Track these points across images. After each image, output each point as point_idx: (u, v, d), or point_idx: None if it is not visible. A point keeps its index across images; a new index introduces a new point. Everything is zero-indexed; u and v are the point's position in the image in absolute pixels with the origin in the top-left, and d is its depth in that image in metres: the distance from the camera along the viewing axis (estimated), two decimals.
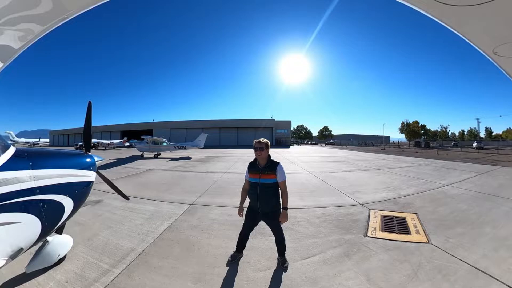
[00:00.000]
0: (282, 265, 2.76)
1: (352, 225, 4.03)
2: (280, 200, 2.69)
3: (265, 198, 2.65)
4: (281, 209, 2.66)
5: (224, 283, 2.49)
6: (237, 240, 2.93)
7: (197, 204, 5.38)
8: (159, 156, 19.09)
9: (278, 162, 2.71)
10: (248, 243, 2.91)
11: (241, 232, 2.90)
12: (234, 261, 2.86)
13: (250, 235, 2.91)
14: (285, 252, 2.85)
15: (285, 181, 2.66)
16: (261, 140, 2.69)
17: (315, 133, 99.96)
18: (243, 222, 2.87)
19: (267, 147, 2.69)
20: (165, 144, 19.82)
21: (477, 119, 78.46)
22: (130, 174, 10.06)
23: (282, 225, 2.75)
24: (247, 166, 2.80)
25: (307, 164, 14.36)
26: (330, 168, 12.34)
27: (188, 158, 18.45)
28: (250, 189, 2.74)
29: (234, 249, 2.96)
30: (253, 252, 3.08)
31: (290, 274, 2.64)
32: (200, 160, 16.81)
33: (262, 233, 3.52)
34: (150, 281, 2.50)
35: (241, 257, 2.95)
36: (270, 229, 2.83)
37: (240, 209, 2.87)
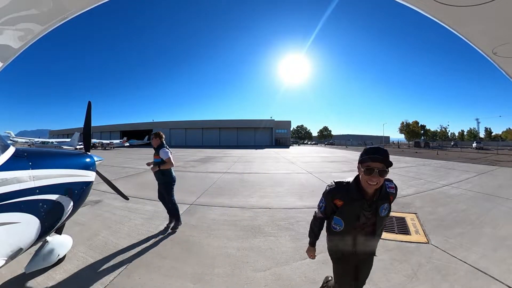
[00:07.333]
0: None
1: None
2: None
3: None
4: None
5: (224, 283, 2.50)
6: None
7: (197, 204, 5.38)
8: None
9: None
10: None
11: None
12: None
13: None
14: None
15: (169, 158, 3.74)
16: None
17: (314, 133, 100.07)
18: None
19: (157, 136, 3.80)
20: (49, 144, 26.89)
21: (477, 119, 78.58)
22: (130, 174, 10.06)
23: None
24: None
25: (307, 164, 14.35)
26: (330, 168, 12.36)
27: None
28: None
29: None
30: (253, 252, 3.08)
31: (290, 274, 2.64)
32: (199, 160, 16.81)
33: (262, 233, 3.52)
34: (150, 281, 2.50)
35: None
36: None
37: None
